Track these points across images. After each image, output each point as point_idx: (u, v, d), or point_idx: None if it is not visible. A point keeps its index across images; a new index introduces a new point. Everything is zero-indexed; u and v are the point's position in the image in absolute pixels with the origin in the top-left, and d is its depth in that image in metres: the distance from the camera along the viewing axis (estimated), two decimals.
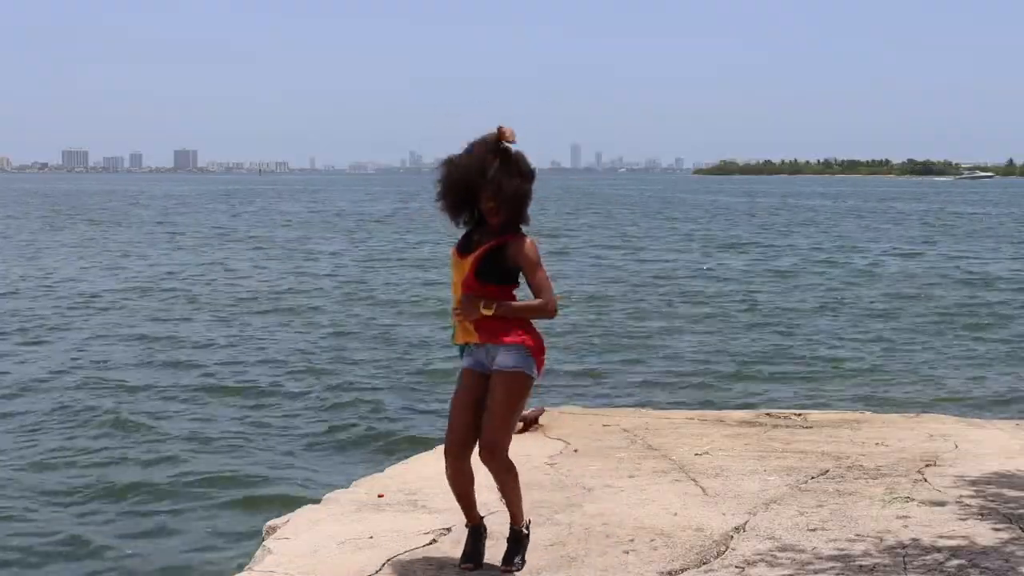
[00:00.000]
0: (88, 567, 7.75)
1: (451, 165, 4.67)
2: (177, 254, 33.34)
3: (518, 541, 4.81)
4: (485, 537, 4.87)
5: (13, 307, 20.54)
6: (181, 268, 28.52)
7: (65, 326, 18.31)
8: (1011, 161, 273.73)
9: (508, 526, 4.83)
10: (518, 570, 4.74)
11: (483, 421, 4.62)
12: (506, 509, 4.83)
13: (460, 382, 4.75)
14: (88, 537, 8.22)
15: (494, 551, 4.86)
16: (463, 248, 4.70)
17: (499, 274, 4.63)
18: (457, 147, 4.71)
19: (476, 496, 4.79)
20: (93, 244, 37.57)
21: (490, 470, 4.69)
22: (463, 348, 4.76)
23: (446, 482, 4.75)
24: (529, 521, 4.87)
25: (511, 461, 4.72)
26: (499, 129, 4.62)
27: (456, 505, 4.80)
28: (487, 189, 4.58)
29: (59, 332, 17.65)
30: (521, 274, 4.67)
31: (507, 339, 4.61)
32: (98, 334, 17.46)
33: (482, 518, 4.88)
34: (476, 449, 4.66)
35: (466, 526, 4.85)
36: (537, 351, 4.66)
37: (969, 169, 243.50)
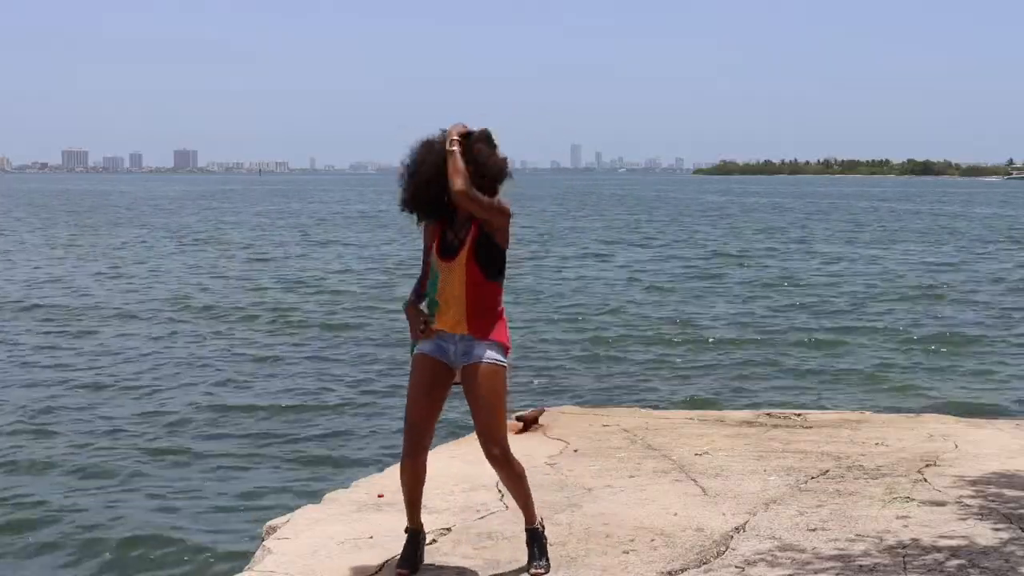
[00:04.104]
0: (87, 569, 7.75)
1: (412, 175, 4.45)
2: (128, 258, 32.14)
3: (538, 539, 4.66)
4: (424, 543, 4.71)
5: None
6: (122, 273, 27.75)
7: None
8: (1011, 161, 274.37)
9: (523, 527, 4.69)
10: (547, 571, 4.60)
11: (479, 417, 4.46)
12: (520, 510, 4.69)
13: (418, 370, 4.51)
14: (86, 538, 8.23)
15: (494, 551, 4.86)
16: (447, 251, 4.46)
17: (491, 257, 4.43)
18: None
19: (475, 496, 4.74)
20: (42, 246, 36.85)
21: (498, 467, 4.53)
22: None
23: (439, 482, 4.63)
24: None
25: (516, 459, 4.59)
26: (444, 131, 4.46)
27: (456, 505, 4.75)
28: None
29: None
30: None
31: (492, 336, 4.48)
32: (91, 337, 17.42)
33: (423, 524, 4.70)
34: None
35: (406, 530, 4.67)
36: (508, 348, 4.57)
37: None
